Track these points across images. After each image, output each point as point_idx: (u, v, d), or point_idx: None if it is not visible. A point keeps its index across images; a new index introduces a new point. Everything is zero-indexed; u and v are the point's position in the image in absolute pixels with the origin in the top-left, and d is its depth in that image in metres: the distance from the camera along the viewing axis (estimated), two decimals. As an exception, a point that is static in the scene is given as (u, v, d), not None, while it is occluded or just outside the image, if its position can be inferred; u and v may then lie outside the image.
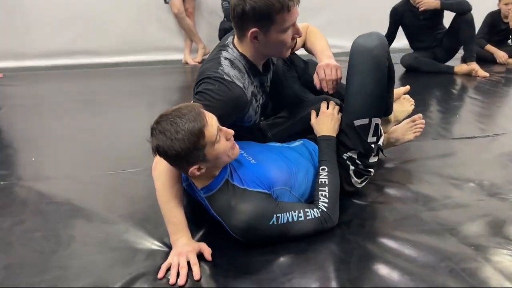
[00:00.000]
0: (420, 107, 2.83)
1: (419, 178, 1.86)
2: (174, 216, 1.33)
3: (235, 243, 1.34)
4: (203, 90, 1.38)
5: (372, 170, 1.67)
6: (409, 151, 2.13)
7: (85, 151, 2.23)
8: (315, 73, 1.63)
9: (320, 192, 1.42)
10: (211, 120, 1.24)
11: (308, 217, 1.37)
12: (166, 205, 1.34)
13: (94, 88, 3.66)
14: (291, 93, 1.81)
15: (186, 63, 4.47)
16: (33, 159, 2.11)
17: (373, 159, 1.66)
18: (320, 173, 1.46)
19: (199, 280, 1.22)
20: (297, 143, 1.67)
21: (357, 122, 1.58)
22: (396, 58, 4.14)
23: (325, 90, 1.62)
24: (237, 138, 1.58)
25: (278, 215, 1.32)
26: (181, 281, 1.21)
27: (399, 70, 4.01)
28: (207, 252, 1.31)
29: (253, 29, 1.38)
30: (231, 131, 1.31)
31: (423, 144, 2.21)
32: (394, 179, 1.84)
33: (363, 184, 1.70)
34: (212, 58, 1.46)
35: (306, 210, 1.38)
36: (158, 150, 1.22)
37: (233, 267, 1.29)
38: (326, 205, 1.40)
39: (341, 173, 1.61)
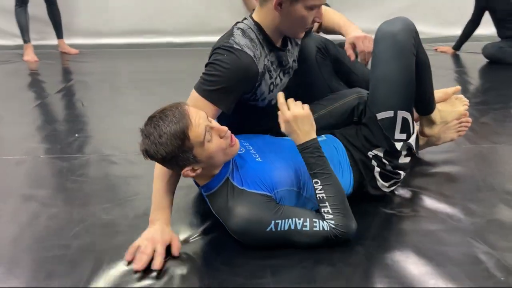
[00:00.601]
0: (498, 105, 2.52)
1: (462, 187, 1.64)
2: (160, 202, 1.30)
3: (236, 242, 1.28)
4: (212, 60, 1.33)
5: (402, 173, 1.50)
6: (457, 154, 1.90)
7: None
8: (348, 45, 1.55)
9: (322, 209, 1.27)
10: (197, 120, 1.17)
11: (315, 229, 1.24)
12: (157, 192, 1.31)
13: (165, 67, 3.73)
14: (323, 84, 1.69)
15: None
16: (76, 135, 2.21)
17: (404, 160, 1.48)
18: (315, 188, 1.27)
19: (156, 271, 1.19)
20: (321, 138, 1.54)
21: (380, 115, 1.43)
22: (476, 47, 3.73)
23: (365, 62, 1.54)
24: (255, 125, 1.53)
25: (277, 221, 1.22)
26: (155, 266, 1.20)
27: (479, 61, 3.59)
28: (176, 247, 1.25)
29: None
30: (224, 129, 1.23)
31: (482, 149, 1.94)
32: (431, 187, 1.64)
33: (392, 188, 1.53)
34: (228, 31, 1.40)
35: (314, 220, 1.25)
36: (146, 154, 1.18)
37: (225, 266, 1.23)
38: (332, 221, 1.25)
39: (365, 174, 1.47)
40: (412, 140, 1.48)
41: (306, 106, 1.30)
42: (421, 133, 1.74)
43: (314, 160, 1.27)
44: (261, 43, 1.39)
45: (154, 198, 1.31)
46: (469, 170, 1.77)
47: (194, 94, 1.33)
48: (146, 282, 1.16)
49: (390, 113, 1.43)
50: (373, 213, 1.48)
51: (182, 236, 1.35)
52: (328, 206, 1.25)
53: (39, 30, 4.32)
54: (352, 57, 1.58)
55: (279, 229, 1.22)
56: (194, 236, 1.36)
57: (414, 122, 1.52)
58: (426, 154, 1.87)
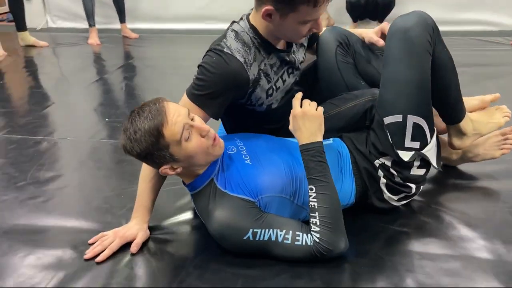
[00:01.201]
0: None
1: (492, 211, 1.43)
2: (141, 201, 1.31)
3: (218, 245, 1.23)
4: (202, 63, 1.27)
5: (413, 186, 1.34)
6: (499, 167, 1.66)
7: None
8: (376, 32, 1.49)
9: (311, 219, 1.17)
10: (175, 117, 1.12)
11: (296, 243, 1.15)
12: (140, 191, 1.31)
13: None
14: (339, 81, 1.55)
15: (308, 34, 4.26)
16: (106, 119, 2.28)
17: (417, 172, 1.33)
18: (309, 195, 1.18)
19: (98, 262, 1.20)
20: (325, 142, 1.42)
21: (388, 119, 1.29)
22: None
23: None
24: (258, 128, 1.45)
25: (256, 230, 1.15)
26: (98, 259, 1.21)
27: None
28: (135, 244, 1.25)
29: (269, 7, 1.19)
30: (205, 127, 1.17)
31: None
32: (453, 205, 1.46)
33: (403, 202, 1.38)
34: (224, 32, 1.33)
35: (297, 233, 1.16)
36: (124, 150, 1.16)
37: (197, 270, 1.18)
38: (318, 235, 1.14)
39: (370, 185, 1.34)
40: (428, 151, 1.32)
41: (320, 109, 1.23)
42: (450, 145, 1.53)
43: (313, 164, 1.18)
44: (257, 46, 1.30)
45: (137, 196, 1.32)
46: (508, 189, 1.55)
47: (184, 97, 1.29)
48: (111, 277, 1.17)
49: (398, 118, 1.28)
50: (374, 227, 1.35)
51: (165, 234, 1.33)
52: (317, 217, 1.15)
53: (106, 14, 4.54)
54: (381, 43, 1.45)
55: (257, 238, 1.15)
56: (177, 234, 1.34)
57: (435, 131, 1.35)
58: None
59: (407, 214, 1.41)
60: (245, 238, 1.15)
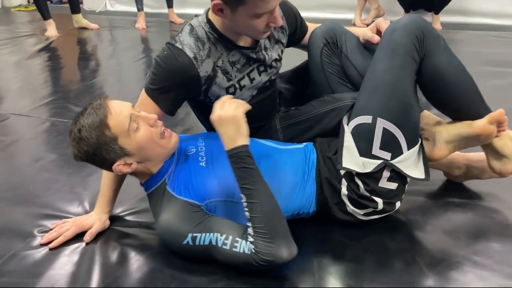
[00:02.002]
0: None
1: (486, 237, 1.27)
2: (102, 190, 1.34)
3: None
4: (156, 56, 1.25)
5: (379, 200, 1.22)
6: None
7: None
8: (371, 28, 1.39)
9: (248, 230, 1.10)
10: (119, 109, 1.11)
11: (234, 249, 1.09)
12: (103, 181, 1.34)
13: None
14: (324, 82, 1.46)
15: (354, 24, 4.05)
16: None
17: (387, 185, 1.22)
18: (243, 204, 1.11)
19: (51, 248, 1.25)
20: (297, 145, 1.35)
21: (357, 120, 1.21)
22: None
23: None
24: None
25: (195, 235, 1.11)
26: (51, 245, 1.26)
27: None
28: (88, 234, 1.28)
29: (217, 1, 1.13)
30: (152, 116, 1.15)
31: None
32: (443, 223, 1.33)
33: (373, 217, 1.27)
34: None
35: (237, 239, 1.09)
36: (72, 155, 1.15)
37: (138, 269, 1.19)
38: (252, 246, 1.07)
39: (329, 195, 1.26)
40: (400, 162, 1.20)
41: (240, 109, 1.12)
42: (489, 166, 1.35)
43: (238, 172, 1.10)
44: (214, 42, 1.24)
45: (101, 186, 1.34)
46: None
47: (142, 91, 1.27)
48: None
49: (367, 119, 1.19)
50: (334, 241, 1.27)
51: (125, 227, 1.35)
52: (251, 227, 1.08)
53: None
54: (376, 38, 1.35)
55: (197, 243, 1.12)
56: (136, 229, 1.34)
57: (417, 142, 1.24)
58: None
59: (378, 231, 1.30)
60: (184, 243, 1.12)
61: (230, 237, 1.10)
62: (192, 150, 1.27)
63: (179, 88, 1.23)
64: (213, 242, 1.11)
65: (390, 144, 1.19)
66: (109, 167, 1.16)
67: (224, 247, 1.10)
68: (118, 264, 1.19)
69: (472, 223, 1.34)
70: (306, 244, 1.25)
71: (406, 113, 1.20)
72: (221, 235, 1.11)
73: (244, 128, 1.11)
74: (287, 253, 1.07)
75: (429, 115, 1.36)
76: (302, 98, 1.56)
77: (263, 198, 1.09)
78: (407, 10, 3.89)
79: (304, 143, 1.35)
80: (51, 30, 3.89)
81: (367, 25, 3.96)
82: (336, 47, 1.43)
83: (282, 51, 1.40)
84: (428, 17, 3.88)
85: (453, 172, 1.49)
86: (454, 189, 1.49)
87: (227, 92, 1.28)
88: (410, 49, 1.19)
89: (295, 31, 1.45)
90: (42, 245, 1.26)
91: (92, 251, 1.24)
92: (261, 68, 1.33)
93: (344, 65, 1.43)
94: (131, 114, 1.12)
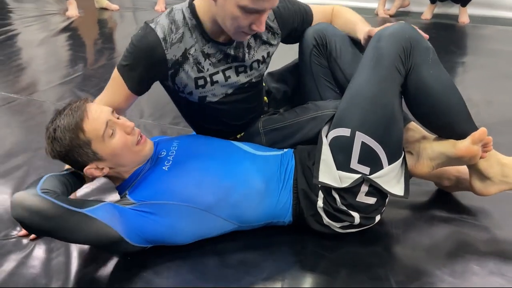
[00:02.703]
0: None
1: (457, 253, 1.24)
2: None
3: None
4: (132, 36, 1.25)
5: (356, 215, 1.20)
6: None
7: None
8: (365, 38, 1.31)
9: None
10: (97, 114, 1.12)
11: None
12: None
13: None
14: (312, 86, 1.42)
15: (377, 14, 3.91)
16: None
17: (365, 199, 1.19)
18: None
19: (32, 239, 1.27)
20: (275, 152, 1.33)
21: (334, 132, 1.18)
22: None
23: None
24: (210, 124, 1.39)
25: None
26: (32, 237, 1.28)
27: None
28: None
29: None
30: (130, 124, 1.15)
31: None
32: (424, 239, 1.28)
33: (350, 231, 1.25)
34: None
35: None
36: (46, 152, 1.16)
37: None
38: None
39: (305, 206, 1.24)
40: (379, 177, 1.17)
41: None
42: (470, 184, 1.31)
43: None
44: (190, 28, 1.21)
45: None
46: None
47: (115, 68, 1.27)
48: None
49: (345, 131, 1.15)
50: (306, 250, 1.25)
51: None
52: None
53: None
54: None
55: None
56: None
57: (399, 156, 1.20)
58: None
59: (355, 243, 1.28)
60: None
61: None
62: (162, 153, 1.27)
63: (144, 67, 1.21)
64: None
65: (369, 158, 1.16)
66: (80, 169, 1.17)
67: None
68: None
69: (455, 240, 1.29)
70: (280, 251, 1.25)
71: (387, 128, 1.15)
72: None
73: None
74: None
75: (416, 128, 1.31)
76: (291, 99, 1.54)
77: None
78: (433, 1, 3.73)
79: (284, 150, 1.34)
80: (72, 9, 3.94)
81: (390, 16, 3.84)
82: (326, 49, 1.39)
83: (269, 53, 1.36)
84: (456, 9, 3.72)
85: (443, 182, 1.45)
86: (443, 203, 1.44)
87: (196, 84, 1.26)
88: (395, 60, 1.14)
89: (296, 30, 1.41)
90: (20, 237, 1.29)
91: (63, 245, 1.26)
92: (241, 69, 1.30)
93: (332, 68, 1.39)
94: (107, 120, 1.12)
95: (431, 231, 1.33)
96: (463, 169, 1.39)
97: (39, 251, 1.24)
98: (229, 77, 1.29)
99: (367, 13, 4.00)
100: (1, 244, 1.27)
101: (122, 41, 3.33)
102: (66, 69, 2.69)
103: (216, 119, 1.37)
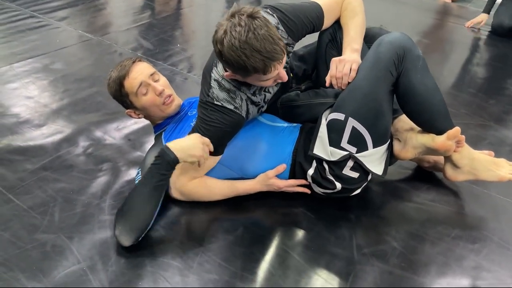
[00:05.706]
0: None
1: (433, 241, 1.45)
2: None
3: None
4: (199, 115, 1.41)
5: (338, 185, 1.44)
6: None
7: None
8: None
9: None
10: (136, 75, 1.46)
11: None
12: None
13: None
14: (324, 72, 1.63)
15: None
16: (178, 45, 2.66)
17: (349, 173, 1.43)
18: None
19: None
20: (286, 124, 1.59)
21: (333, 115, 1.41)
22: None
23: (336, 87, 1.46)
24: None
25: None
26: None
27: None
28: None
29: (229, 73, 1.32)
30: (159, 89, 1.47)
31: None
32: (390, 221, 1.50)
33: (330, 196, 1.51)
34: (205, 75, 1.42)
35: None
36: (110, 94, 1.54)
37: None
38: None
39: (297, 173, 1.52)
40: (364, 157, 1.40)
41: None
42: (443, 170, 1.55)
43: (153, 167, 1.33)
44: (237, 86, 1.39)
45: None
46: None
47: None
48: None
49: (341, 116, 1.39)
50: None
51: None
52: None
53: None
54: (327, 82, 1.46)
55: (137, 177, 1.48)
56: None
57: (384, 143, 1.43)
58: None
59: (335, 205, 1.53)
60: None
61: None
62: (193, 112, 1.57)
63: (232, 133, 1.43)
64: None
65: (357, 140, 1.38)
66: (126, 108, 1.55)
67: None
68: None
69: (419, 217, 1.53)
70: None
71: (376, 119, 1.37)
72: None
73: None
74: (128, 244, 1.30)
75: (406, 120, 1.51)
76: (310, 77, 1.77)
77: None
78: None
79: (294, 124, 1.59)
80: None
81: (453, 1, 3.79)
82: (338, 45, 1.58)
83: (288, 55, 1.51)
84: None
85: (423, 164, 1.70)
86: (418, 187, 1.65)
87: (258, 111, 1.49)
88: (389, 64, 1.33)
89: (309, 33, 1.55)
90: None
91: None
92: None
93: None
94: (142, 81, 1.46)
95: (401, 209, 1.56)
96: (440, 156, 1.59)
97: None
98: (269, 93, 1.50)
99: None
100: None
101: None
102: (134, 16, 3.04)
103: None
